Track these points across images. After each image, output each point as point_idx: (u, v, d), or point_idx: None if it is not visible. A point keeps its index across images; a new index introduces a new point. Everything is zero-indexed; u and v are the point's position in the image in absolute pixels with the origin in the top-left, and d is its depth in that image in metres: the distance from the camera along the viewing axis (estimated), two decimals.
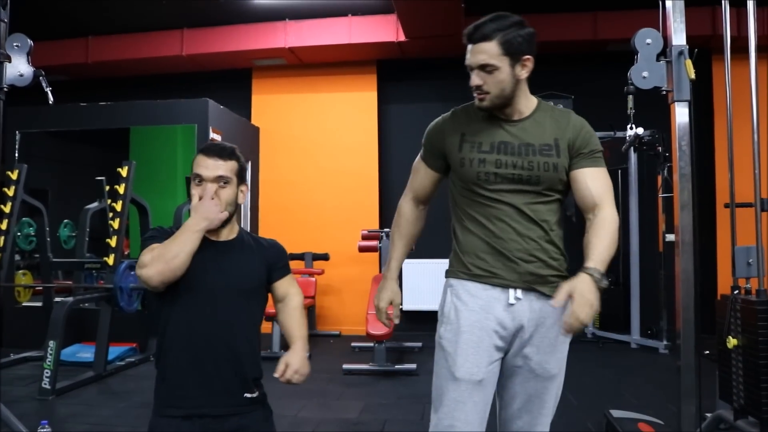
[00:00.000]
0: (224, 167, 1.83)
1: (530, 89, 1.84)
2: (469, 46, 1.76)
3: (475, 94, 1.80)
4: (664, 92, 2.13)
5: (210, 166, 1.82)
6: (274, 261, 1.97)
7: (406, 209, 2.03)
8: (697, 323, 6.71)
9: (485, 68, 1.74)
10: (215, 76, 7.57)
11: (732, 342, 2.33)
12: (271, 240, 2.02)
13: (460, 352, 1.78)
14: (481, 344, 1.78)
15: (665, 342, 5.78)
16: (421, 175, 1.99)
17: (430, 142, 1.95)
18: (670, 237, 6.11)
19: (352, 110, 7.37)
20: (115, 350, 5.25)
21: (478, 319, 1.78)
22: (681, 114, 2.11)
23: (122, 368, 5.11)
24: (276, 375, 1.82)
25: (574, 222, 6.49)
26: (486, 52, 1.73)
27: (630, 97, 2.30)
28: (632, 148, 6.14)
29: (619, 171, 6.41)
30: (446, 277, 1.91)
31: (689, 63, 2.05)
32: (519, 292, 1.79)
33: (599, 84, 6.70)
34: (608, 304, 6.44)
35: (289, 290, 2.00)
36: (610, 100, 6.74)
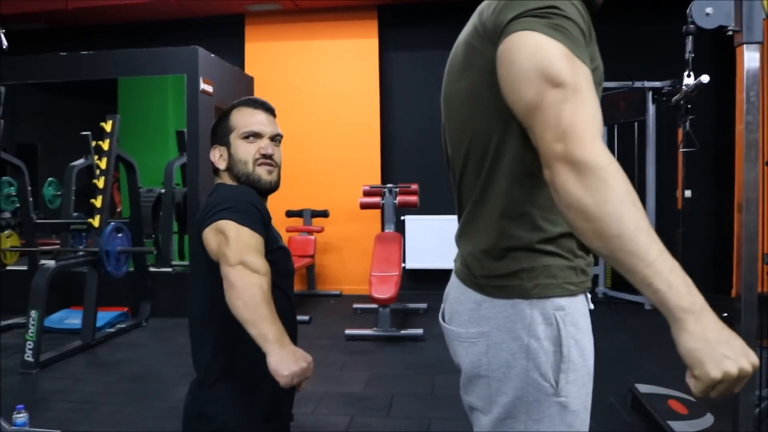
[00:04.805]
0: (277, 124, 1.69)
1: None
2: None
3: None
4: (730, 32, 1.78)
5: (266, 122, 1.65)
6: None
7: (616, 164, 0.91)
8: (711, 283, 6.35)
9: None
10: (206, 23, 7.14)
11: None
12: None
13: (589, 404, 1.16)
14: None
15: None
16: (594, 95, 0.97)
17: (589, 32, 1.04)
18: (689, 193, 5.83)
19: (351, 58, 6.96)
20: (104, 315, 4.99)
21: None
22: (751, 58, 1.76)
23: (112, 336, 4.83)
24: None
25: None
26: None
27: (689, 38, 1.94)
28: (651, 100, 5.79)
29: (636, 124, 6.05)
30: (536, 296, 1.09)
31: None
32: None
33: (616, 31, 6.29)
34: None
35: None
36: (627, 49, 6.36)
